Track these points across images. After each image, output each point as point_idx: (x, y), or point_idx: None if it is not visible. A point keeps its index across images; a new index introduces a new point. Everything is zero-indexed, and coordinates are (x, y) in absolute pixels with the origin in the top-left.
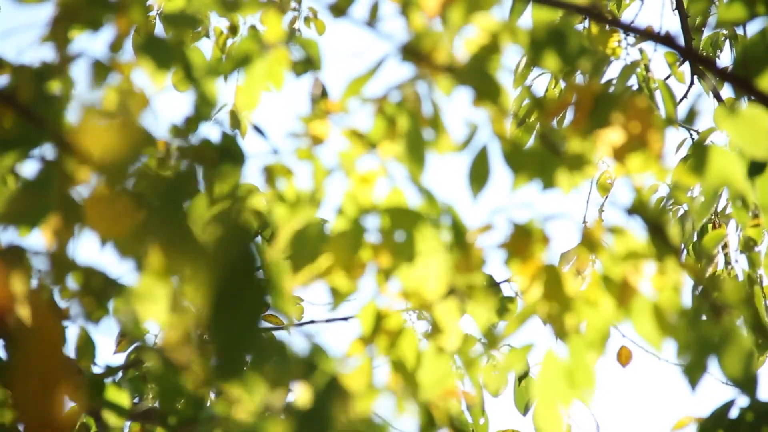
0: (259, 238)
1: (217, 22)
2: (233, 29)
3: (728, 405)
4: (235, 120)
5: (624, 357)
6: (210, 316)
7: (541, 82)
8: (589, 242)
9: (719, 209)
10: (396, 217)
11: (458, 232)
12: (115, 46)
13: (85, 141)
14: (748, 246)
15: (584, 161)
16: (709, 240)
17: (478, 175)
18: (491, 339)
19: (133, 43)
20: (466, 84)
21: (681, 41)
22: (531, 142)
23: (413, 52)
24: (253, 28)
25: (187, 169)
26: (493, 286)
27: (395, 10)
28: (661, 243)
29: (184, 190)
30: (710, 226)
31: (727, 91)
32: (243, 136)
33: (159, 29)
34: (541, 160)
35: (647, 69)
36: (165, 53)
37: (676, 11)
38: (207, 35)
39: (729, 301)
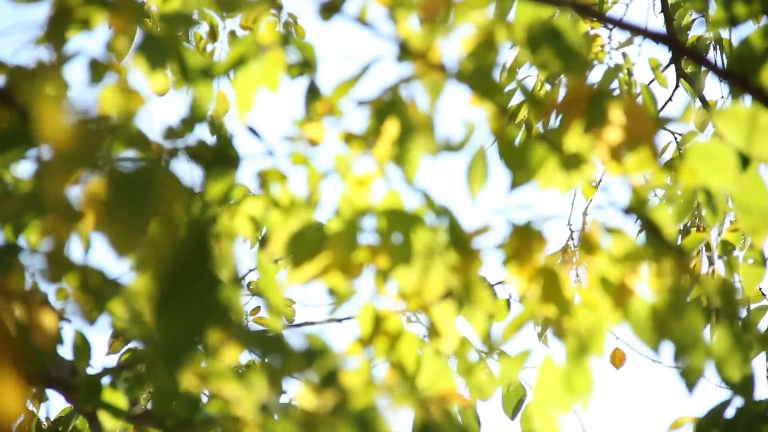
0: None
1: (197, 27)
2: (213, 34)
3: (724, 405)
4: (225, 122)
5: (617, 359)
6: (157, 307)
7: (529, 81)
8: (586, 244)
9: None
10: (392, 219)
11: (455, 233)
12: (112, 46)
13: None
14: (726, 250)
15: (581, 160)
16: (689, 242)
17: (477, 175)
18: (489, 344)
19: (121, 43)
20: (464, 82)
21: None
22: (518, 139)
23: (410, 51)
24: (232, 33)
25: (152, 162)
26: (488, 288)
27: (384, 13)
28: (658, 243)
29: (148, 181)
30: (694, 229)
31: (712, 93)
32: (231, 138)
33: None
34: (539, 159)
35: (630, 73)
36: (160, 52)
37: (662, 14)
38: (187, 40)
39: (720, 302)
